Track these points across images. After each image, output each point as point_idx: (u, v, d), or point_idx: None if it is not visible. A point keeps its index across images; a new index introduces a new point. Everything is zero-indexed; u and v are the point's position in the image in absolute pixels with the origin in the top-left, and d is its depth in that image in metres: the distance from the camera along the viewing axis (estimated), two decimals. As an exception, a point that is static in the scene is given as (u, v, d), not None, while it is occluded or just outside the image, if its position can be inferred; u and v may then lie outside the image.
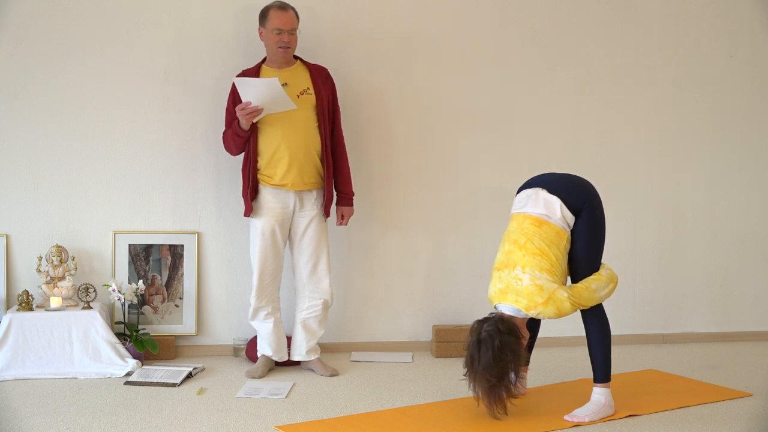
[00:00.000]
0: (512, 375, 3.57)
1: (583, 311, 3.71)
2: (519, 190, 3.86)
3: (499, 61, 5.01)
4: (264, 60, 4.41)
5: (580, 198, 3.71)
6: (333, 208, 4.51)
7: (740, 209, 5.32)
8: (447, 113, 4.97)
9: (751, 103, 5.30)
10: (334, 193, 4.48)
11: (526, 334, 3.71)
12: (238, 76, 4.34)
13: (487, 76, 5.00)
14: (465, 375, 3.62)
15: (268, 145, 4.29)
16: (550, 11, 5.04)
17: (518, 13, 5.00)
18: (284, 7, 4.30)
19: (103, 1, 4.61)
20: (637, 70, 5.15)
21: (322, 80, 4.40)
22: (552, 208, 3.65)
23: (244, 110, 4.15)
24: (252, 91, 4.13)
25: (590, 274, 3.70)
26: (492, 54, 5.00)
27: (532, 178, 3.88)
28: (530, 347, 3.99)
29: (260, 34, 4.33)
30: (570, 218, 3.66)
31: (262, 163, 4.31)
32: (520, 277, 3.58)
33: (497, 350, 3.50)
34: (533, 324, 3.95)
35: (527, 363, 3.92)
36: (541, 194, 3.71)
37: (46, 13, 4.56)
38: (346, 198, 4.51)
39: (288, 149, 4.27)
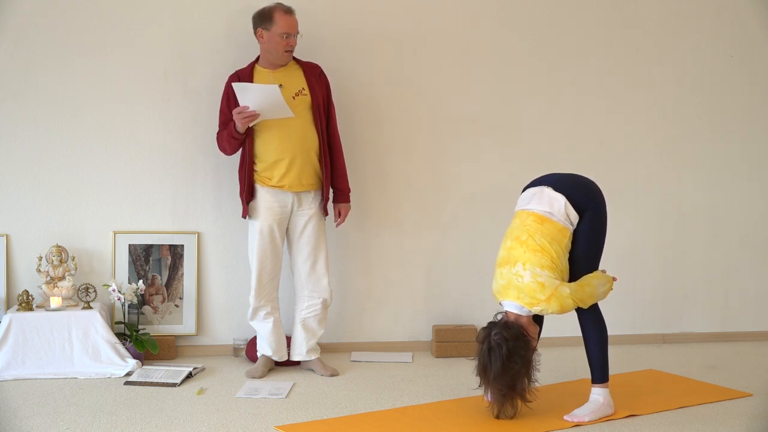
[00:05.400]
0: (525, 381, 3.57)
1: (579, 312, 3.71)
2: (524, 189, 3.87)
3: (499, 60, 5.00)
4: (257, 60, 4.40)
5: (585, 197, 3.71)
6: (330, 205, 4.51)
7: (740, 209, 5.32)
8: (447, 113, 4.96)
9: (751, 103, 5.30)
10: (331, 191, 4.49)
11: (535, 333, 3.70)
12: (231, 76, 4.35)
13: (488, 75, 5.00)
14: (479, 385, 3.64)
15: (265, 147, 4.29)
16: (550, 11, 5.03)
17: (518, 13, 5.00)
18: (290, 11, 4.29)
19: (102, 2, 4.61)
20: (637, 70, 5.15)
21: (315, 78, 4.39)
22: (556, 205, 3.66)
23: (241, 114, 4.15)
24: (250, 96, 4.13)
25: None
26: (492, 54, 5.00)
27: (537, 178, 3.88)
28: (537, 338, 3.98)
29: (259, 35, 4.32)
30: (574, 216, 3.66)
31: (260, 165, 4.31)
32: (520, 273, 3.58)
33: (506, 359, 3.50)
34: (538, 318, 3.93)
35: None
36: (546, 192, 3.71)
37: (46, 13, 4.56)
38: (342, 195, 4.51)
39: (286, 152, 4.27)
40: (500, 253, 3.73)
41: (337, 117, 4.52)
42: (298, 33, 4.31)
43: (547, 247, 3.59)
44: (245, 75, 4.33)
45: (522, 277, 3.58)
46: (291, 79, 4.34)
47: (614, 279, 3.79)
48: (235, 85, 4.16)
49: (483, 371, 3.58)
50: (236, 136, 4.25)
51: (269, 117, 4.21)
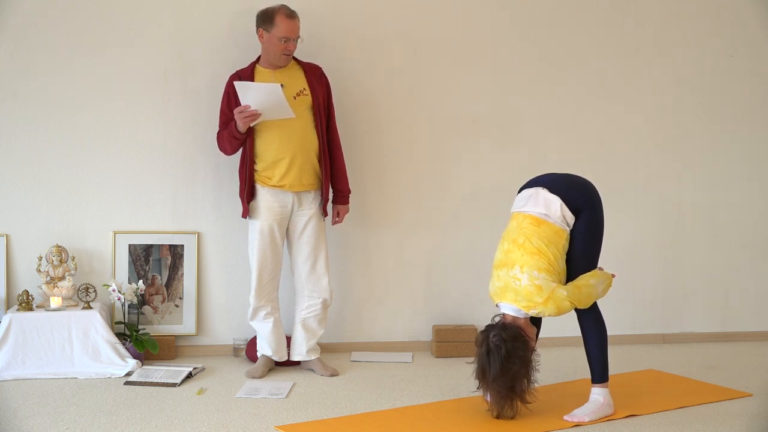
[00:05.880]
0: (525, 382, 3.57)
1: (578, 312, 3.71)
2: (520, 190, 3.87)
3: (499, 61, 5.00)
4: (258, 60, 4.41)
5: (581, 198, 3.71)
6: (329, 206, 4.52)
7: (740, 209, 5.32)
8: (447, 113, 4.96)
9: (751, 104, 5.30)
10: (331, 191, 4.50)
11: (532, 334, 3.71)
12: (232, 76, 4.35)
13: (487, 76, 5.00)
14: (478, 387, 3.64)
15: (266, 147, 4.29)
16: (549, 12, 5.03)
17: (518, 14, 5.00)
18: (292, 15, 4.28)
19: (103, 2, 4.61)
20: (637, 70, 5.15)
21: (316, 79, 4.40)
22: (552, 207, 3.66)
23: (242, 113, 4.15)
24: (252, 95, 4.13)
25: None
26: (492, 54, 5.00)
27: (533, 178, 3.88)
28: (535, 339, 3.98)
29: (260, 35, 4.32)
30: (570, 218, 3.66)
31: (260, 165, 4.31)
32: (518, 276, 3.58)
33: (504, 360, 3.50)
34: (535, 320, 3.93)
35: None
36: (541, 193, 3.71)
37: (46, 13, 4.56)
38: (342, 196, 4.52)
39: (287, 151, 4.27)
40: (497, 256, 3.73)
41: (337, 117, 4.52)
42: (298, 38, 4.30)
43: (544, 249, 3.59)
44: (246, 75, 4.33)
45: (519, 280, 3.58)
46: (292, 79, 4.34)
47: (613, 275, 3.79)
48: (237, 84, 4.16)
49: (482, 373, 3.57)
50: (237, 135, 4.25)
51: (270, 117, 4.21)
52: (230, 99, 4.31)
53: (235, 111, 4.18)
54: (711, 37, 5.23)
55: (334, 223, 4.57)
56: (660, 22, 5.16)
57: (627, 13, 5.13)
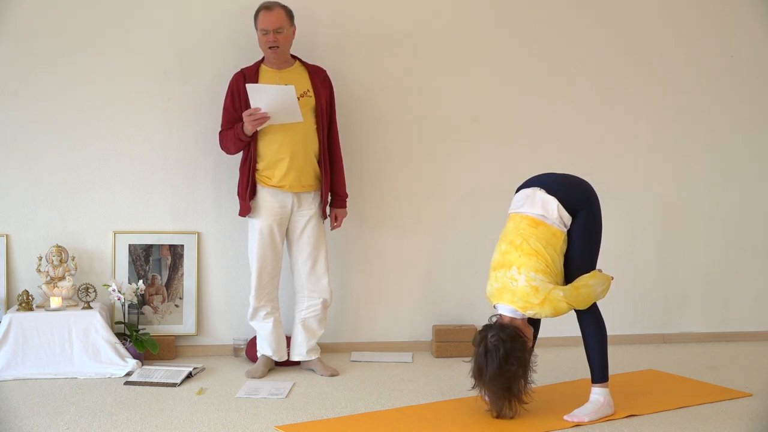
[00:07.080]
0: (522, 382, 3.57)
1: (578, 312, 3.71)
2: (517, 190, 3.86)
3: (499, 62, 5.01)
4: (263, 59, 4.40)
5: (578, 198, 3.71)
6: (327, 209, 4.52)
7: (740, 209, 5.32)
8: (447, 113, 4.96)
9: (751, 104, 5.30)
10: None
11: (530, 334, 3.71)
12: (237, 75, 4.34)
13: (487, 76, 5.00)
14: (473, 387, 3.64)
15: (268, 146, 4.28)
16: (549, 12, 5.04)
17: (518, 14, 5.00)
18: (269, 7, 4.27)
19: (103, 2, 4.61)
20: (637, 70, 5.15)
21: (320, 81, 4.40)
22: (549, 208, 3.65)
23: (252, 116, 4.14)
24: (264, 98, 4.11)
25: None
26: (491, 55, 5.00)
27: (530, 178, 3.88)
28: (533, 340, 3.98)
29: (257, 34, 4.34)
30: (567, 218, 3.66)
31: (261, 164, 4.30)
32: (515, 277, 3.58)
33: (503, 360, 3.50)
34: (533, 321, 3.93)
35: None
36: (538, 194, 3.71)
37: (46, 13, 4.56)
38: (339, 200, 4.52)
39: (288, 152, 4.26)
40: (495, 257, 3.73)
41: (337, 118, 4.52)
42: (279, 29, 4.25)
43: (542, 250, 3.59)
44: (251, 74, 4.32)
45: (516, 281, 3.58)
46: (296, 80, 4.32)
47: (611, 278, 3.79)
48: (249, 87, 4.14)
49: (478, 373, 3.57)
50: (243, 138, 4.24)
51: (278, 121, 4.19)
52: (234, 97, 4.30)
53: (245, 114, 4.17)
54: (711, 37, 5.23)
55: (333, 228, 4.57)
56: (660, 23, 5.16)
57: (627, 14, 5.13)
